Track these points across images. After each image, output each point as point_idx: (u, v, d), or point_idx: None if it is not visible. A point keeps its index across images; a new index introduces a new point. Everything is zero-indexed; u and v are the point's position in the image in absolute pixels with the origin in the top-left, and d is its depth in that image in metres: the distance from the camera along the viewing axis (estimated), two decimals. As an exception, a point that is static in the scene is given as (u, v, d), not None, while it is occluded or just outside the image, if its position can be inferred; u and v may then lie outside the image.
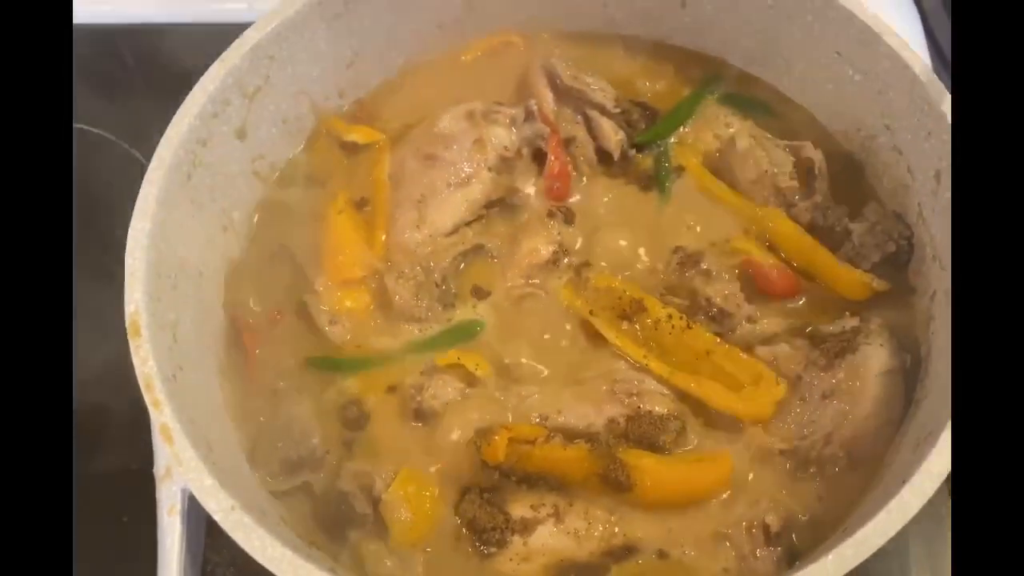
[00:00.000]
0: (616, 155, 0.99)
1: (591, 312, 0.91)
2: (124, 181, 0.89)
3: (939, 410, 0.77)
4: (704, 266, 0.92)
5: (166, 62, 1.21)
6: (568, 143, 0.99)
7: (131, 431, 0.90)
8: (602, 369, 0.89)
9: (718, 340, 0.88)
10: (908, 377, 0.87)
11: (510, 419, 0.86)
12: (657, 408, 0.85)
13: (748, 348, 0.89)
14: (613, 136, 0.99)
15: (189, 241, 0.87)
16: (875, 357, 0.86)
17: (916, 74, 0.88)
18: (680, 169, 0.99)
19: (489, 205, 0.97)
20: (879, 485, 0.81)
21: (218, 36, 0.91)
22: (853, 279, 0.92)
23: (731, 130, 1.01)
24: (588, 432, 0.85)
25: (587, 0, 1.05)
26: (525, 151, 0.98)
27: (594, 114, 1.00)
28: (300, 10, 0.92)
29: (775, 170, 0.96)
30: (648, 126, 1.01)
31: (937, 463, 0.71)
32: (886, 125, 0.94)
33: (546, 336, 0.92)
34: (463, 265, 0.95)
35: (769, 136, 1.00)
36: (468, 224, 0.96)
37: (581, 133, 1.00)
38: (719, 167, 0.99)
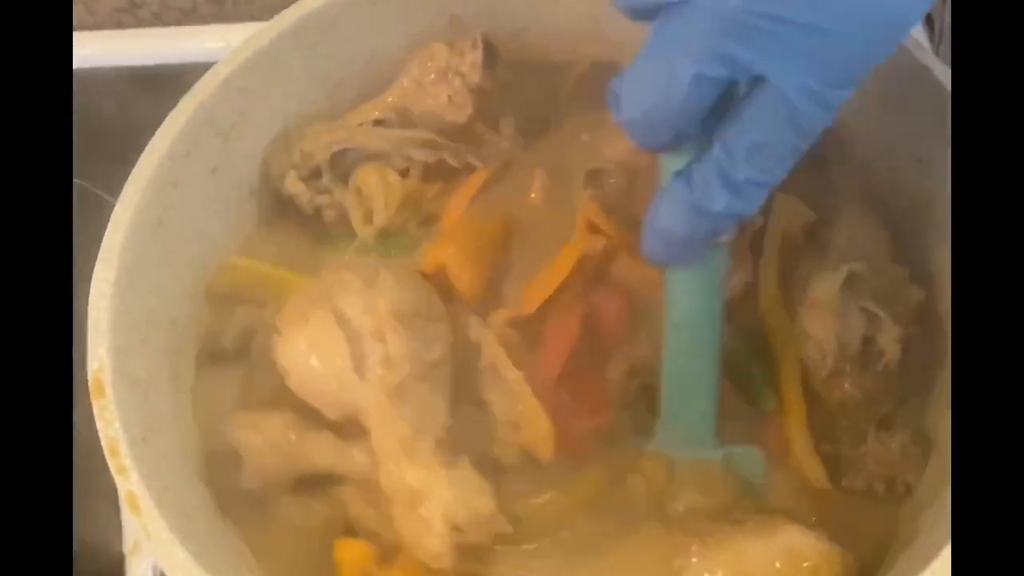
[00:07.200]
0: None
1: None
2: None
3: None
4: None
5: (143, 105, 1.13)
6: None
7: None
8: None
9: None
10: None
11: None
12: None
13: None
14: None
15: (161, 289, 0.80)
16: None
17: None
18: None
19: None
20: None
21: (196, 77, 0.84)
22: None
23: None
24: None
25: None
26: None
27: None
28: (274, 40, 0.85)
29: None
30: None
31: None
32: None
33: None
34: None
35: None
36: None
37: None
38: None
